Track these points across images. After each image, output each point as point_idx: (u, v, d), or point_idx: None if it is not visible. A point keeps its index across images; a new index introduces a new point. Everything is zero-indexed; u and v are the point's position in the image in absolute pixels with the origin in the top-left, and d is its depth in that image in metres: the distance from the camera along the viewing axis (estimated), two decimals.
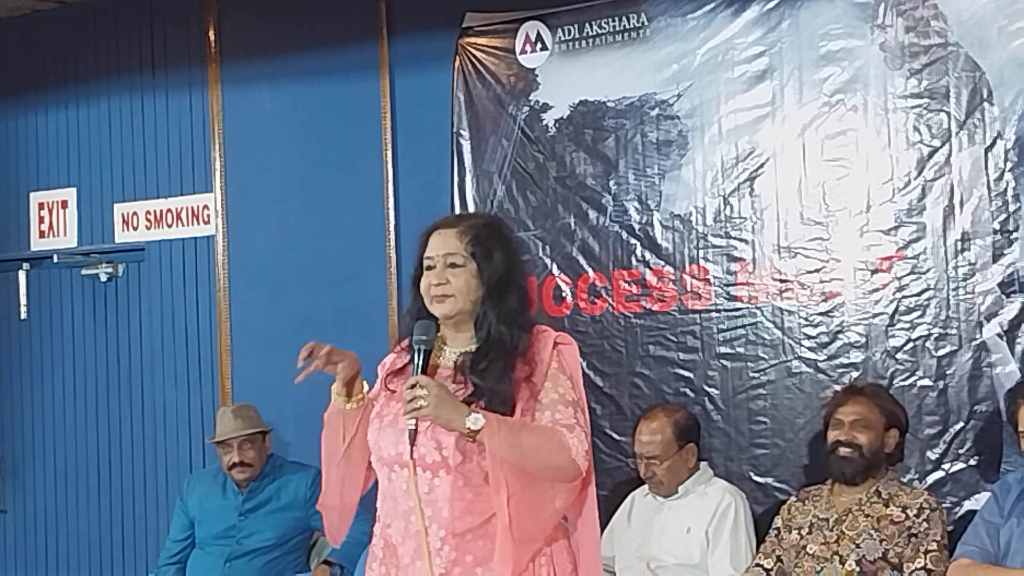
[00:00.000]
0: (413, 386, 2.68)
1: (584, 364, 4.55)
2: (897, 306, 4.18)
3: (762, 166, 4.40)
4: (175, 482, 5.27)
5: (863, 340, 4.23)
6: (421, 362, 2.75)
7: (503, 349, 2.76)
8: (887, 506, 3.78)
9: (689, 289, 4.50)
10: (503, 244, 2.85)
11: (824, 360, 4.29)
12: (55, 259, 5.62)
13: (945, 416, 4.10)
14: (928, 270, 4.14)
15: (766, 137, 4.39)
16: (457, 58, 4.90)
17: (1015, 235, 4.02)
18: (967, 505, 4.01)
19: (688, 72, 4.51)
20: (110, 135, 5.65)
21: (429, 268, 2.82)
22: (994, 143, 4.05)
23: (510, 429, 2.67)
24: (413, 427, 2.70)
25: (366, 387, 2.90)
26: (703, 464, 4.25)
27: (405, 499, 2.75)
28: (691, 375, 4.49)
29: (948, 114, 4.12)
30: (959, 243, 4.09)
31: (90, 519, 5.64)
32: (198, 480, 5.01)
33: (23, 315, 5.73)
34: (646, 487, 4.25)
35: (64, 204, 5.75)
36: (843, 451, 3.84)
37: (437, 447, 2.71)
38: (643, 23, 4.59)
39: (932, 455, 4.10)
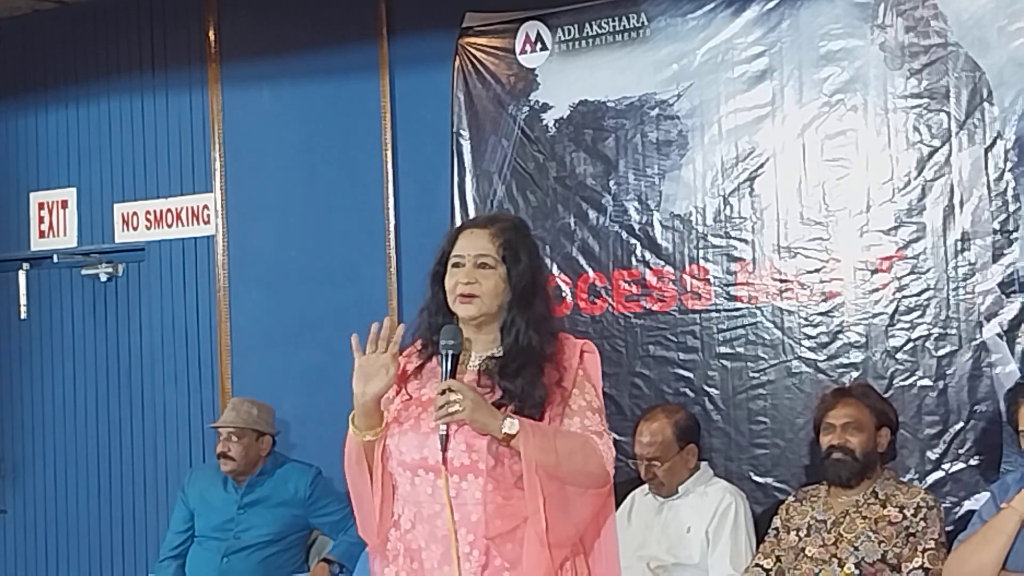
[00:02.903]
0: (444, 391, 2.65)
1: None
2: (897, 306, 4.18)
3: (762, 166, 4.40)
4: (175, 482, 5.27)
5: (863, 340, 4.23)
6: (449, 366, 2.71)
7: (532, 354, 2.74)
8: (884, 507, 3.78)
9: (689, 289, 4.50)
10: (531, 249, 2.83)
11: (824, 360, 4.29)
12: (55, 259, 5.62)
13: (945, 416, 4.10)
14: (928, 270, 4.14)
15: (766, 137, 4.39)
16: (457, 58, 4.90)
17: (1015, 235, 4.02)
18: (967, 505, 4.01)
19: (688, 72, 4.51)
20: (110, 135, 5.65)
21: (457, 266, 2.78)
22: (994, 143, 4.05)
23: (544, 434, 2.65)
24: (445, 432, 2.67)
25: (386, 415, 2.81)
26: (703, 464, 4.25)
27: (431, 503, 2.72)
28: (691, 375, 4.49)
29: (948, 114, 4.12)
30: (959, 243, 4.09)
31: (90, 519, 5.64)
32: (200, 473, 5.03)
33: (23, 315, 5.73)
34: (646, 487, 4.25)
35: (64, 204, 5.75)
36: (837, 455, 3.83)
37: (467, 451, 2.68)
38: (643, 23, 4.59)
39: (932, 455, 4.10)
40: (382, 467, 2.80)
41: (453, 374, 2.72)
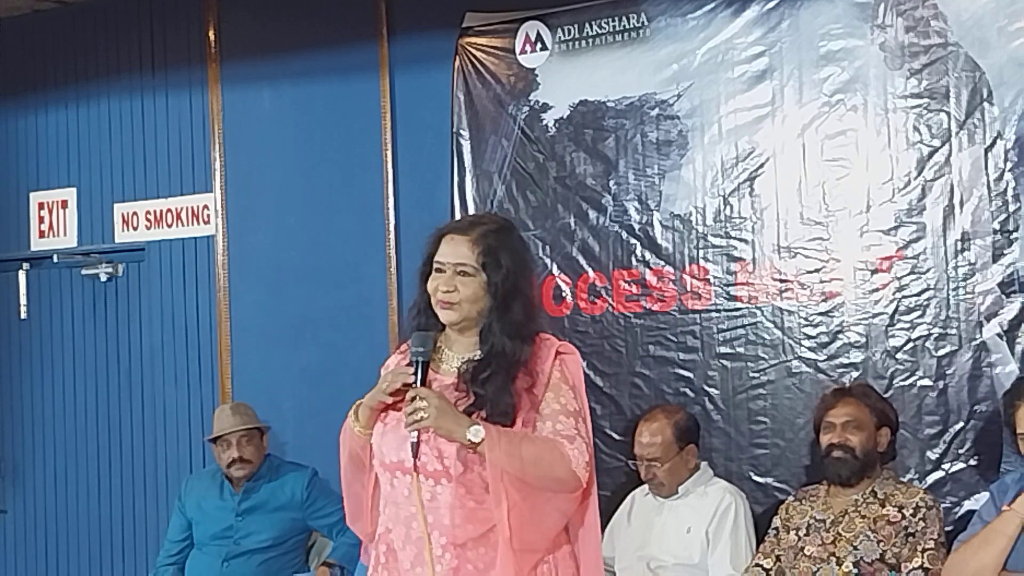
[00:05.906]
0: (414, 398, 2.69)
1: (584, 364, 4.55)
2: (897, 306, 4.18)
3: (762, 166, 4.40)
4: (175, 482, 5.27)
5: (863, 340, 4.23)
6: (420, 374, 2.75)
7: (505, 360, 2.76)
8: (883, 506, 3.78)
9: (689, 289, 4.50)
10: (513, 253, 2.84)
11: (824, 360, 4.29)
12: (55, 259, 5.62)
13: (945, 416, 4.10)
14: (928, 270, 4.14)
15: (766, 137, 4.39)
16: (457, 58, 4.90)
17: (1015, 235, 4.02)
18: (967, 505, 4.01)
19: (688, 72, 4.51)
20: (110, 135, 5.65)
21: (439, 271, 2.82)
22: (994, 143, 4.05)
23: (510, 441, 2.68)
24: (415, 439, 2.71)
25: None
26: (703, 464, 4.25)
27: (407, 505, 2.76)
28: (691, 375, 4.49)
29: (948, 114, 4.12)
30: (959, 243, 4.09)
31: (90, 519, 5.64)
32: (196, 481, 5.01)
33: (23, 315, 5.73)
34: (646, 487, 4.25)
35: (64, 204, 5.75)
36: (837, 453, 3.84)
37: (439, 456, 2.72)
38: (643, 23, 4.59)
39: (932, 455, 4.10)
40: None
41: (424, 381, 2.75)
